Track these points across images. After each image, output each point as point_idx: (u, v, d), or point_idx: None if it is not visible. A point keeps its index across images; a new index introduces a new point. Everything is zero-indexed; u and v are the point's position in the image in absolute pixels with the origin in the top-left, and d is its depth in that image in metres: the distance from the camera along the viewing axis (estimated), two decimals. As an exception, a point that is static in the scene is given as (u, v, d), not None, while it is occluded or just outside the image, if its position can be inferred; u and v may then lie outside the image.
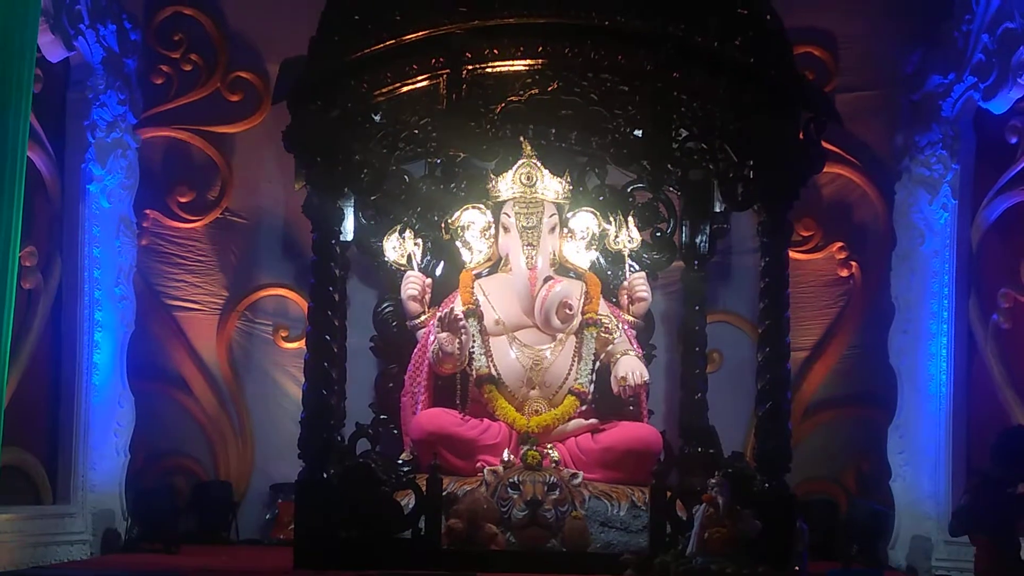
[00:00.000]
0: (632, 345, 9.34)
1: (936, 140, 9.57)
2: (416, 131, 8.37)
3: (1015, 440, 7.85)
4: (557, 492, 8.14)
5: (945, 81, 9.50)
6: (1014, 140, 8.94)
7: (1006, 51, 8.83)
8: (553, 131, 8.93)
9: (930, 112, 9.65)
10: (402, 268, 9.51)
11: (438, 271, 9.80)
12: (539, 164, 9.08)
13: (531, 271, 9.20)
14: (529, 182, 9.15)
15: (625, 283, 9.59)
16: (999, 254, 9.12)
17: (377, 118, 8.14)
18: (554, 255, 9.37)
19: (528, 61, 8.04)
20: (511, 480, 8.17)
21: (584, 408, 9.01)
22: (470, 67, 7.95)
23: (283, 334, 10.66)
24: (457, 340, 8.91)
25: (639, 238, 9.60)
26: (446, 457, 8.42)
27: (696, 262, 9.99)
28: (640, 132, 8.16)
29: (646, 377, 9.23)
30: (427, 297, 9.50)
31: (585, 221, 9.40)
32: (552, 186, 9.24)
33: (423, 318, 9.45)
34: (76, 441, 9.11)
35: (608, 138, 8.47)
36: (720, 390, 10.02)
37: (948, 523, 8.38)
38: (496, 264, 9.45)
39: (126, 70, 9.77)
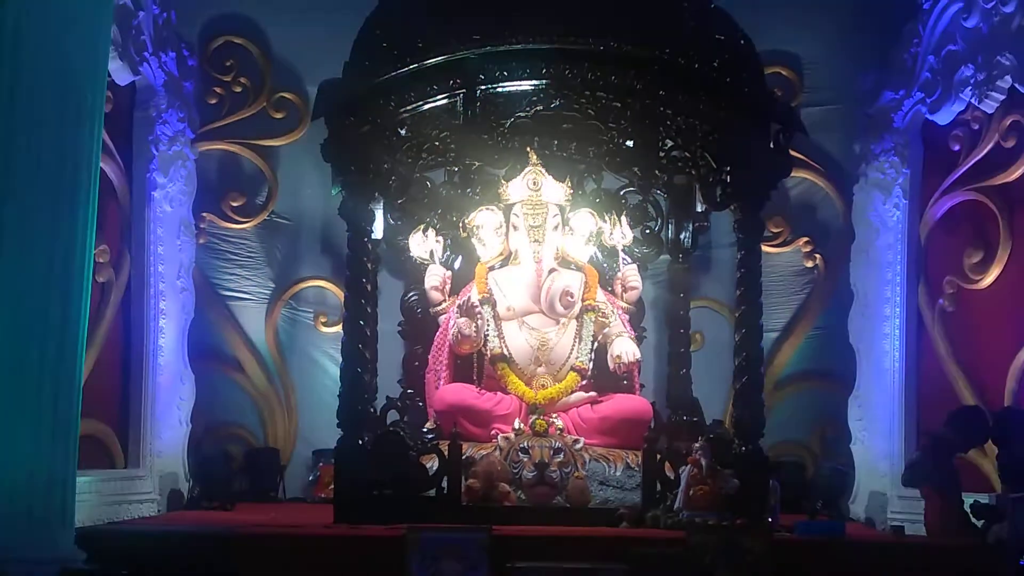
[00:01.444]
0: (626, 328, 9.41)
1: (889, 148, 9.71)
2: (436, 143, 8.40)
3: (968, 416, 7.96)
4: (561, 455, 8.16)
5: (896, 97, 9.63)
6: (956, 147, 9.07)
7: (949, 71, 8.94)
8: (555, 142, 8.99)
9: (883, 124, 9.79)
10: (425, 262, 9.62)
11: (456, 264, 9.87)
12: (543, 171, 9.17)
13: (537, 264, 9.30)
14: (535, 187, 9.25)
15: (619, 274, 9.66)
16: (944, 247, 9.26)
17: (403, 132, 8.16)
18: (557, 250, 9.44)
19: (533, 82, 8.05)
20: (521, 445, 8.20)
21: (584, 383, 9.08)
22: (483, 87, 7.95)
23: (322, 320, 10.76)
24: (474, 324, 9.02)
25: (631, 235, 9.68)
26: (465, 426, 8.48)
27: (680, 255, 10.08)
28: (631, 143, 8.23)
29: (638, 355, 9.34)
30: (447, 287, 9.60)
31: (584, 220, 9.48)
32: (555, 190, 9.33)
33: (444, 305, 9.54)
34: (144, 413, 9.23)
35: (603, 148, 8.50)
36: (702, 366, 10.11)
37: (901, 477, 8.47)
38: (507, 258, 9.51)
39: (184, 92, 9.89)
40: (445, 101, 8.00)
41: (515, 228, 9.38)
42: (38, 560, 5.96)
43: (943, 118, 9.18)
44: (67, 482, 6.48)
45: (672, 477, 7.89)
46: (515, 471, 8.12)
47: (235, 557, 6.73)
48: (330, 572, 6.79)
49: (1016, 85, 8.30)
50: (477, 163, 8.83)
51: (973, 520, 7.59)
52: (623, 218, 9.64)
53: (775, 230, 10.53)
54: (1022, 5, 8.19)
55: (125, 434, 9.06)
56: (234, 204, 10.69)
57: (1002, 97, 8.53)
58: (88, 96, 6.72)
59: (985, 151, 8.79)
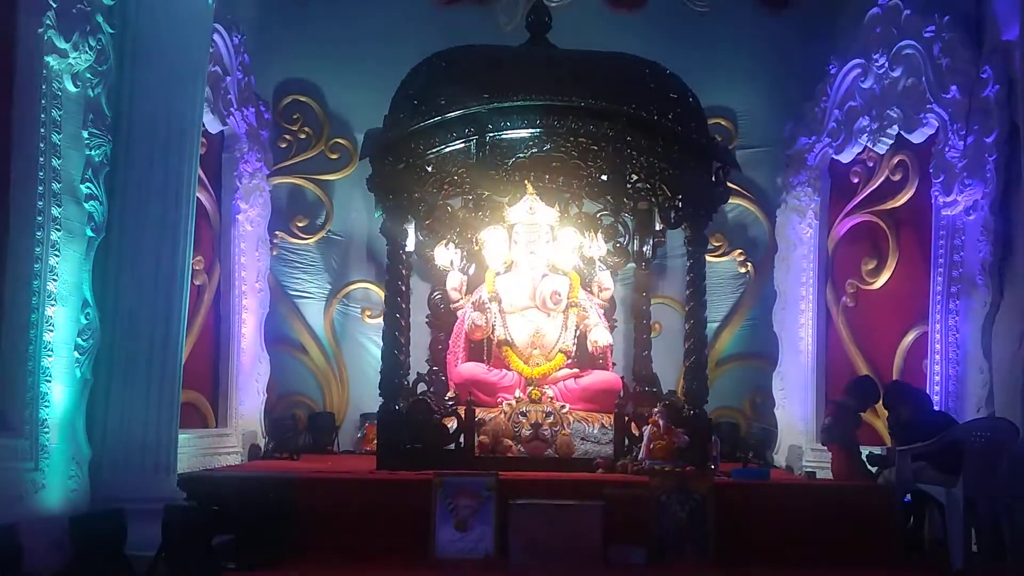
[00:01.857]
0: (601, 320, 9.34)
1: (803, 181, 9.74)
2: (455, 177, 8.44)
3: (864, 385, 8.00)
4: (551, 417, 8.14)
5: (809, 141, 9.67)
6: (856, 180, 9.18)
7: (850, 121, 9.04)
8: (547, 177, 8.92)
9: (799, 162, 9.81)
10: (447, 269, 9.58)
11: (471, 270, 9.79)
12: (538, 198, 9.12)
13: (533, 271, 9.26)
14: (531, 211, 9.20)
15: (596, 279, 9.63)
16: (846, 257, 9.33)
17: (429, 169, 8.16)
18: (548, 260, 9.37)
19: (530, 130, 8.03)
20: (521, 410, 8.16)
21: (569, 362, 9.01)
22: (491, 134, 7.93)
23: (367, 313, 10.69)
24: (484, 317, 9.01)
25: (605, 248, 9.64)
26: (477, 395, 8.42)
27: (643, 263, 10.02)
28: (605, 177, 8.22)
29: (610, 341, 9.36)
30: (464, 288, 9.57)
31: (569, 236, 9.41)
32: (547, 213, 9.27)
33: (461, 302, 9.49)
34: (230, 385, 9.22)
35: (583, 181, 8.53)
36: (660, 349, 10.03)
37: (815, 435, 8.51)
38: (510, 266, 9.45)
39: (261, 138, 9.84)
40: (461, 145, 7.97)
41: (515, 243, 9.31)
42: (148, 499, 5.97)
43: (845, 158, 9.23)
44: (170, 439, 6.53)
45: (637, 434, 7.88)
46: (516, 430, 8.08)
47: (299, 496, 6.76)
48: (373, 508, 6.77)
49: (902, 132, 8.37)
50: (486, 193, 8.80)
51: (868, 467, 7.61)
52: (599, 235, 9.58)
53: (716, 244, 10.46)
54: (906, 70, 8.24)
55: (216, 401, 9.02)
56: (299, 224, 10.65)
57: (891, 142, 8.61)
58: (187, 142, 6.76)
59: (878, 183, 8.85)
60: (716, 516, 6.67)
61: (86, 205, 6.02)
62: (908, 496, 6.98)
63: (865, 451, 7.75)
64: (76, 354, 5.94)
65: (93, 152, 6.08)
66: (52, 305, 5.76)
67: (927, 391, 7.67)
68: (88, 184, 6.04)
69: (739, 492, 6.99)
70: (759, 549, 6.63)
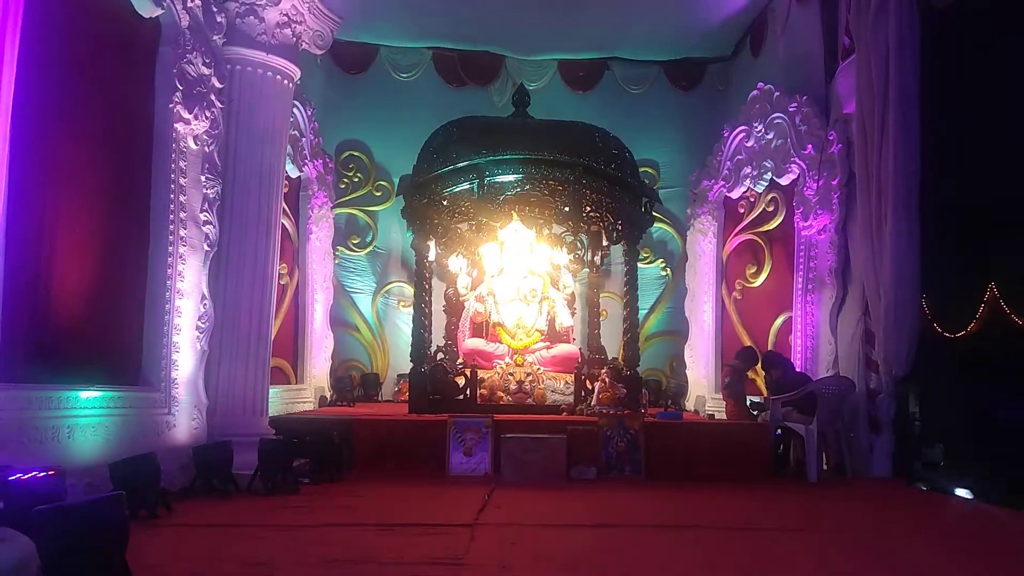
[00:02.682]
0: (565, 308, 9.34)
1: (706, 211, 9.77)
2: (463, 208, 8.50)
3: (748, 353, 8.10)
4: (531, 376, 8.15)
5: (710, 183, 9.70)
6: (742, 211, 9.20)
7: (738, 169, 9.11)
8: (527, 208, 8.98)
9: (703, 198, 9.85)
10: (457, 273, 9.55)
11: (474, 274, 9.73)
12: (521, 223, 9.12)
13: (517, 274, 9.20)
14: (516, 232, 9.17)
15: (561, 280, 9.65)
16: (735, 264, 9.39)
17: (444, 203, 8.22)
18: (528, 266, 9.35)
19: (515, 176, 8.05)
20: (510, 371, 8.18)
21: (543, 337, 8.99)
22: (488, 179, 7.94)
23: (402, 304, 10.75)
24: (484, 306, 9.00)
25: (568, 258, 9.65)
26: (478, 361, 8.42)
27: (595, 269, 9.99)
28: (568, 208, 8.23)
29: (571, 322, 9.39)
30: (469, 286, 9.52)
31: (542, 250, 9.42)
32: (527, 234, 9.24)
33: (467, 296, 9.47)
34: (306, 354, 9.23)
35: (553, 211, 8.59)
36: (607, 328, 10.02)
37: (716, 388, 8.53)
38: (501, 271, 9.40)
39: (327, 181, 9.82)
40: (467, 186, 7.99)
41: (505, 254, 9.31)
42: (247, 434, 5.98)
43: (735, 195, 9.26)
44: (263, 392, 6.53)
45: (590, 388, 7.90)
46: (506, 385, 8.10)
47: (354, 431, 6.77)
48: (406, 439, 6.78)
49: (774, 177, 8.43)
50: (485, 219, 8.83)
51: (751, 411, 7.66)
52: (564, 248, 9.61)
53: (645, 255, 10.54)
54: (777, 134, 8.31)
55: (295, 365, 9.02)
56: (354, 242, 10.68)
57: (766, 184, 8.66)
58: (275, 183, 6.75)
59: (757, 213, 8.87)
60: (646, 445, 6.69)
61: (203, 228, 6.01)
62: (778, 431, 7.02)
63: (749, 400, 7.83)
64: (196, 333, 5.92)
65: (208, 191, 6.07)
66: (180, 298, 5.76)
67: (792, 358, 7.71)
68: (205, 213, 6.02)
69: (662, 428, 7.00)
70: (676, 468, 6.63)
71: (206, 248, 6.04)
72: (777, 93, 8.28)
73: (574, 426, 6.83)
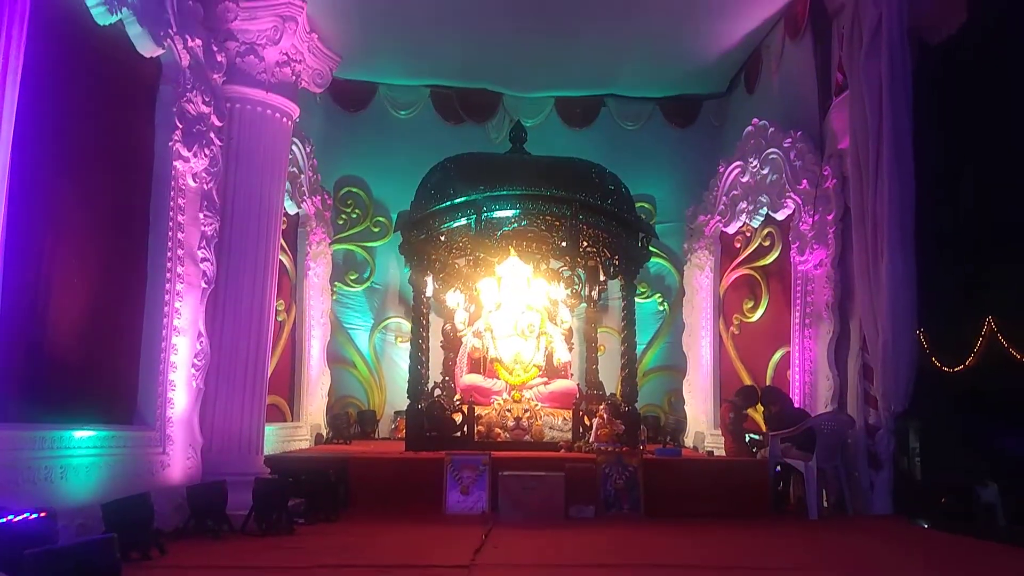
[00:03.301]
0: (562, 343, 9.31)
1: (703, 246, 9.69)
2: (461, 244, 8.53)
3: (747, 390, 8.10)
4: (528, 413, 8.13)
5: (706, 218, 9.63)
6: (738, 245, 9.15)
7: (734, 204, 9.06)
8: (524, 243, 9.02)
9: (699, 233, 9.75)
10: (454, 308, 9.52)
11: (471, 309, 9.71)
12: (518, 258, 9.15)
13: (515, 309, 9.18)
14: (514, 267, 9.20)
15: (559, 315, 9.63)
16: (733, 299, 9.29)
17: (442, 238, 8.26)
18: (525, 301, 9.33)
19: (513, 211, 8.08)
20: (507, 408, 8.15)
21: (540, 373, 8.94)
22: (485, 214, 7.97)
23: (399, 339, 10.64)
24: (481, 342, 8.98)
25: (565, 293, 9.61)
26: (476, 397, 8.39)
27: (592, 304, 9.95)
28: (564, 243, 8.26)
29: (569, 358, 9.35)
30: (466, 322, 9.49)
31: (540, 285, 9.40)
32: (524, 269, 9.24)
33: (465, 332, 9.44)
34: (302, 391, 9.13)
35: (550, 246, 8.65)
36: (604, 364, 9.95)
37: (714, 424, 8.47)
38: (499, 306, 9.38)
39: (325, 217, 9.75)
40: (465, 221, 8.03)
41: (503, 290, 9.30)
42: (243, 473, 5.94)
43: (731, 229, 9.21)
44: (259, 430, 6.50)
45: (588, 424, 7.85)
46: (503, 421, 8.06)
47: (351, 470, 6.72)
48: (403, 477, 6.74)
49: (770, 212, 8.42)
50: (482, 254, 8.86)
51: (750, 448, 7.61)
52: (561, 283, 9.58)
53: (642, 290, 10.47)
54: (772, 169, 8.33)
55: (292, 403, 8.95)
56: (351, 277, 10.63)
57: (762, 219, 8.66)
58: (273, 221, 6.77)
59: (754, 247, 8.85)
60: (644, 482, 6.65)
61: (201, 265, 6.02)
62: (778, 467, 6.97)
63: (747, 436, 7.78)
64: (192, 370, 5.91)
65: (206, 228, 6.09)
66: (176, 336, 5.75)
67: (790, 393, 7.67)
68: (203, 250, 6.04)
69: (660, 465, 6.96)
70: (675, 505, 6.59)
71: (203, 285, 6.04)
72: (772, 129, 8.35)
73: (572, 463, 6.79)
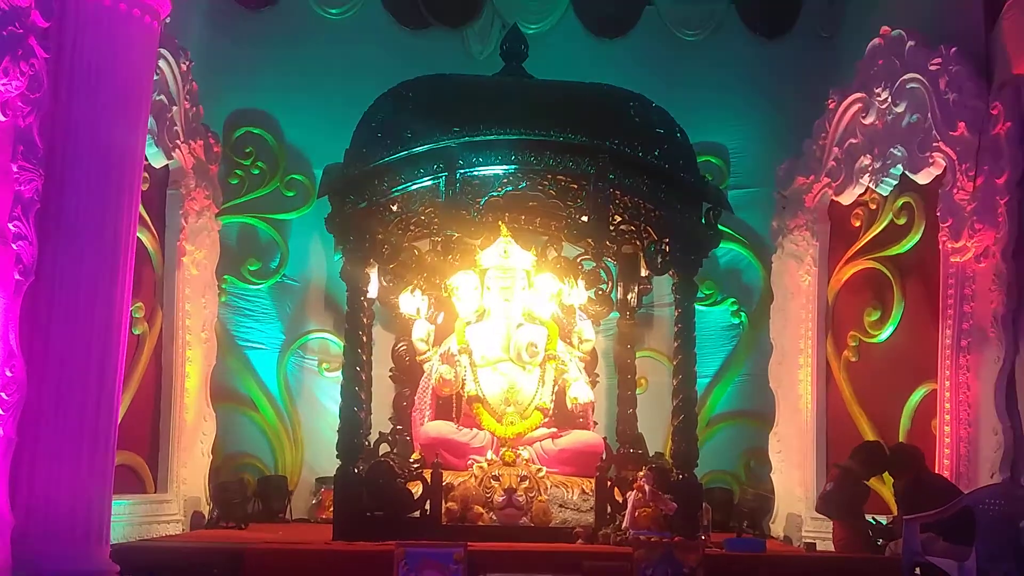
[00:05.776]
0: (581, 374, 9.32)
1: (801, 224, 9.74)
2: (422, 218, 8.48)
3: (869, 449, 7.99)
4: (527, 482, 8.09)
5: (807, 181, 9.69)
6: (857, 224, 9.14)
7: (851, 160, 9.05)
8: (523, 217, 9.01)
9: (797, 204, 9.83)
10: (413, 318, 9.52)
11: (439, 319, 9.72)
12: (512, 241, 9.12)
13: (507, 320, 9.22)
14: (505, 255, 9.20)
15: (576, 329, 9.63)
16: (848, 307, 9.31)
17: (394, 208, 8.16)
18: (524, 308, 9.34)
19: (504, 167, 8.02)
20: (493, 473, 8.11)
21: (547, 420, 8.94)
22: (462, 171, 7.90)
23: (325, 366, 10.69)
24: (453, 371, 8.95)
25: (586, 295, 9.65)
26: (445, 457, 8.31)
27: (628, 313, 10.02)
28: (586, 218, 8.17)
29: (591, 397, 9.28)
30: (431, 339, 9.49)
31: (546, 283, 9.41)
32: (522, 257, 9.27)
33: (428, 354, 9.43)
34: (172, 446, 9.11)
35: (562, 222, 8.61)
36: (646, 406, 10.01)
37: (814, 503, 8.45)
38: (482, 315, 9.40)
39: (210, 174, 9.82)
40: (430, 182, 7.95)
41: (488, 289, 9.30)
42: (77, 572, 5.89)
43: (846, 199, 9.24)
44: (104, 505, 6.37)
45: (620, 501, 7.79)
46: (488, 495, 8.01)
47: (247, 570, 6.64)
48: (329, 582, 6.72)
49: (907, 172, 8.40)
50: (457, 234, 8.82)
51: (873, 538, 7.58)
52: (580, 281, 9.61)
53: (707, 292, 10.53)
54: (910, 106, 8.31)
55: (155, 463, 8.91)
56: (251, 268, 10.66)
57: (895, 182, 8.65)
58: (128, 177, 6.68)
59: (881, 227, 8.88)
60: (708, 591, 6.63)
61: (14, 246, 5.93)
62: (917, 570, 6.92)
63: (871, 520, 7.75)
64: (-2, 411, 5.85)
65: (22, 187, 5.99)
66: (-28, 356, 5.70)
67: (938, 454, 7.65)
68: (16, 223, 5.93)
69: (732, 565, 6.94)
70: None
71: (17, 277, 5.95)
72: (911, 43, 8.33)
73: (595, 562, 6.75)
